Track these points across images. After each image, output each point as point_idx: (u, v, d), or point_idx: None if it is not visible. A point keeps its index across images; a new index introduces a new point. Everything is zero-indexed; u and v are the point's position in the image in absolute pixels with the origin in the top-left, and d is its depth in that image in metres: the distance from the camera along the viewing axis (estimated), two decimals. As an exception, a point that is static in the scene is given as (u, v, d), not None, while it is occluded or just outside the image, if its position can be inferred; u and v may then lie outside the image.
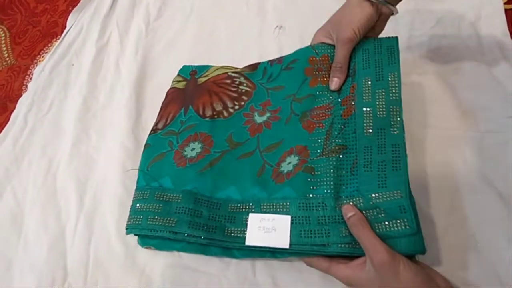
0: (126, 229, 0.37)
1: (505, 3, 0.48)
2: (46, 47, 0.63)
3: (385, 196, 0.31)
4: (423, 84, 0.44)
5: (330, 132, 0.36)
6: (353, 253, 0.30)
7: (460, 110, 0.42)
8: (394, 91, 0.34)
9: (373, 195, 0.31)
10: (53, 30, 0.65)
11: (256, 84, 0.46)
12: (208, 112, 0.44)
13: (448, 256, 0.34)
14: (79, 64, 0.58)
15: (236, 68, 0.48)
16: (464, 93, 0.43)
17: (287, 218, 0.33)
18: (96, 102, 0.53)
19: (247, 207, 0.36)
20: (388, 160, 0.32)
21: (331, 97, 0.39)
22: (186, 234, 0.35)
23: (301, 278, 0.35)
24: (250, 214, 0.35)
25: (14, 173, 0.48)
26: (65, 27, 0.63)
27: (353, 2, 0.35)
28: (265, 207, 0.35)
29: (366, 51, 0.38)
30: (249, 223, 0.34)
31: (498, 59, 0.45)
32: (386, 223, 0.30)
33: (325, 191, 0.33)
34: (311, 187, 0.34)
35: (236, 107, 0.44)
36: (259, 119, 0.42)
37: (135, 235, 0.38)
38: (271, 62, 0.47)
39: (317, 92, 0.40)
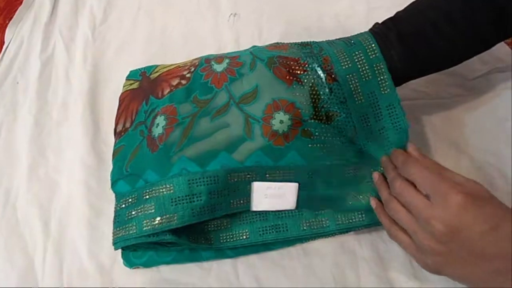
0: (115, 243, 0.34)
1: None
2: (-14, 67, 0.58)
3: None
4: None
5: (317, 94, 0.33)
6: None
7: (425, 79, 0.42)
8: (371, 49, 0.33)
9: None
10: (-9, 47, 0.60)
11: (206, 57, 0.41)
12: (166, 90, 0.39)
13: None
14: (25, 81, 0.53)
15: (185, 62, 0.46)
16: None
17: (295, 185, 0.34)
18: (50, 119, 0.49)
19: (249, 175, 0.33)
20: (387, 126, 0.33)
21: (298, 53, 0.35)
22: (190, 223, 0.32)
23: (284, 274, 0.34)
24: (255, 183, 0.33)
25: (-32, 209, 0.44)
26: (3, 42, 0.58)
27: None
28: (270, 175, 0.33)
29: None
30: (254, 191, 0.33)
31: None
32: None
33: (330, 162, 0.34)
34: (316, 154, 0.34)
35: (192, 69, 0.39)
36: (218, 67, 0.37)
37: (123, 249, 0.35)
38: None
39: (280, 50, 0.36)
